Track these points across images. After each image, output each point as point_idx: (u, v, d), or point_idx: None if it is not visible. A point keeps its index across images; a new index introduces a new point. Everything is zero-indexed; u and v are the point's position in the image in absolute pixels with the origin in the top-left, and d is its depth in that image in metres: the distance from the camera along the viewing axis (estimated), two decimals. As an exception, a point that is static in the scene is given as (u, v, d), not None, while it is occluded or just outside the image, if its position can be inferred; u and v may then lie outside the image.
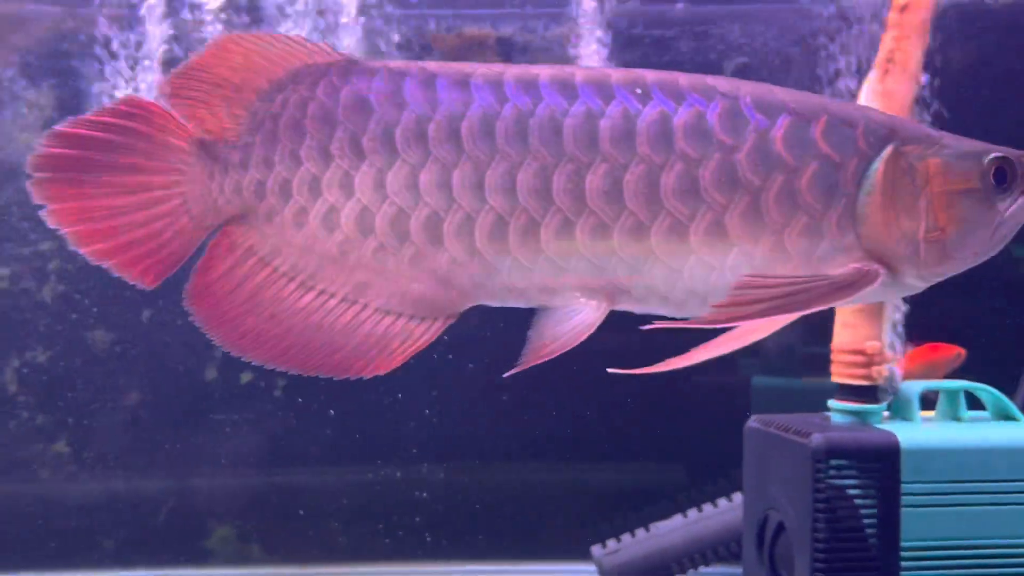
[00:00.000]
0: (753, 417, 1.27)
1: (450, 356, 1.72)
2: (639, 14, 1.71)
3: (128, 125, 0.85)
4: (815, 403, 1.25)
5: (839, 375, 1.21)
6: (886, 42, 1.19)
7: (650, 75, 0.85)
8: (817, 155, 0.82)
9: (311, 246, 0.87)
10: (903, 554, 1.12)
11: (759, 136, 0.82)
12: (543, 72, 0.85)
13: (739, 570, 1.30)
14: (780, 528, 1.19)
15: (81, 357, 1.69)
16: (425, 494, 1.72)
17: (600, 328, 1.71)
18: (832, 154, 0.83)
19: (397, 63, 0.86)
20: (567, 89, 0.84)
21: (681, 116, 0.82)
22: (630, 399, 1.73)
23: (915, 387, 1.22)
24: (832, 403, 1.22)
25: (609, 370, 0.93)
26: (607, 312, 0.86)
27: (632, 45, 1.72)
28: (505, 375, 0.87)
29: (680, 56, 1.72)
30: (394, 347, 0.88)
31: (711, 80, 0.85)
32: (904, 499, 1.12)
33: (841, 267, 0.82)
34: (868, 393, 1.20)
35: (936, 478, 1.13)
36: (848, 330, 1.21)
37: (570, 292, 0.86)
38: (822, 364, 1.25)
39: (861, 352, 1.19)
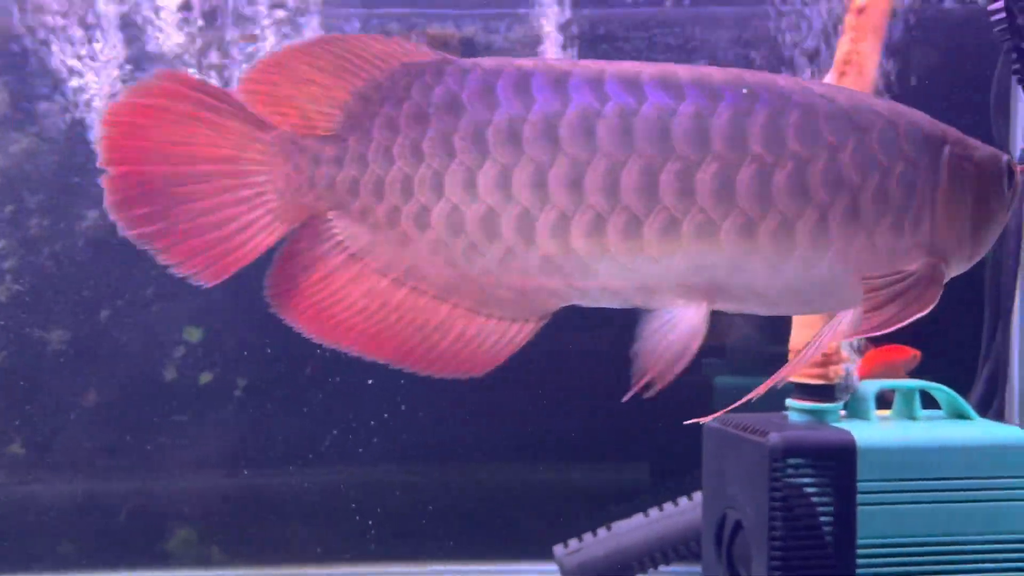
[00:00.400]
0: (712, 416, 1.28)
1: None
2: (601, 17, 1.72)
3: (200, 115, 0.84)
4: (778, 403, 1.26)
5: (796, 374, 1.22)
6: (843, 44, 1.20)
7: (749, 75, 0.86)
8: (902, 156, 0.85)
9: (404, 245, 0.86)
10: (859, 552, 1.13)
11: (858, 137, 0.85)
12: (646, 70, 0.85)
13: (699, 568, 1.31)
14: (738, 526, 1.19)
15: (37, 357, 1.67)
16: (388, 495, 1.72)
17: (566, 328, 1.72)
18: (911, 155, 0.86)
19: (490, 61, 0.85)
20: (672, 88, 0.84)
21: (791, 117, 0.84)
22: (594, 400, 1.73)
23: (871, 386, 1.23)
24: (789, 402, 1.23)
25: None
26: (708, 314, 0.87)
27: (594, 47, 1.72)
28: (624, 398, 0.89)
29: (640, 58, 1.73)
30: (487, 347, 0.88)
31: (805, 82, 0.88)
32: (860, 497, 1.13)
33: (915, 262, 0.86)
34: (825, 392, 1.21)
35: (891, 476, 1.15)
36: (805, 330, 1.22)
37: (669, 292, 0.86)
38: (783, 364, 1.26)
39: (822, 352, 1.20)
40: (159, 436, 1.69)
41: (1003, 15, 0.98)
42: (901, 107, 0.89)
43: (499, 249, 0.84)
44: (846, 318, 0.88)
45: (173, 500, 1.69)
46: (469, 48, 1.71)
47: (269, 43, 1.65)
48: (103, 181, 0.84)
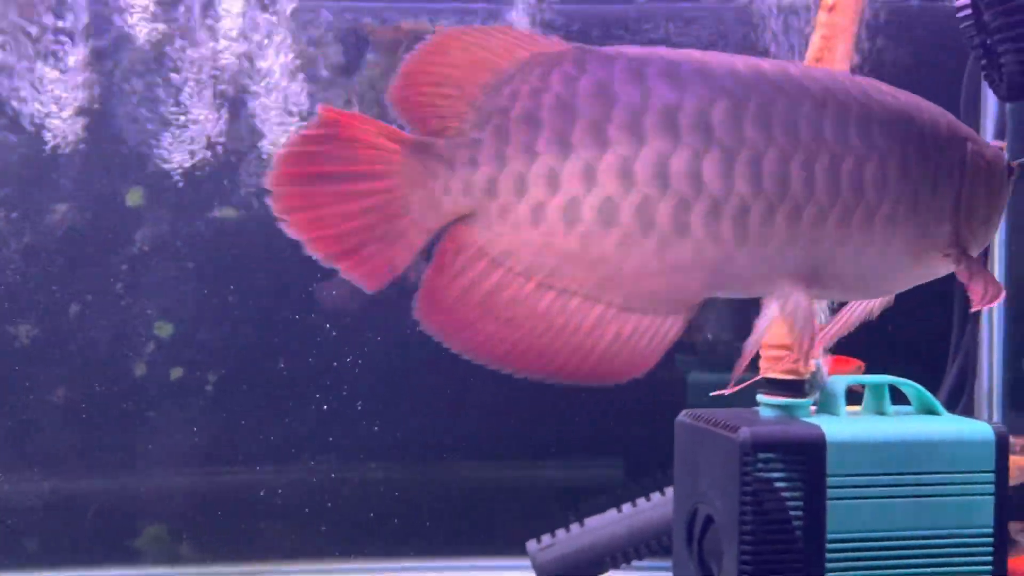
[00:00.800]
0: (684, 412, 1.28)
1: (385, 354, 1.71)
2: (577, 12, 1.72)
3: (331, 134, 0.83)
4: (750, 398, 1.26)
5: (767, 370, 1.22)
6: (814, 42, 1.21)
7: (821, 72, 0.91)
8: (946, 153, 0.92)
9: (549, 242, 0.83)
10: (828, 546, 1.14)
11: (918, 135, 0.91)
12: (767, 64, 0.87)
13: (669, 563, 1.31)
14: (709, 521, 1.20)
15: (5, 353, 1.65)
16: (360, 492, 1.71)
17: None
18: (950, 152, 0.92)
19: (634, 49, 0.84)
20: (793, 83, 0.86)
21: (876, 114, 0.88)
22: (568, 397, 1.73)
23: (841, 382, 1.24)
24: (760, 397, 1.23)
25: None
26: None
27: (569, 41, 1.72)
28: (723, 392, 0.91)
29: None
30: (642, 346, 0.86)
31: (860, 79, 0.93)
32: (829, 491, 1.14)
33: (945, 250, 0.93)
34: (795, 387, 1.21)
35: (861, 471, 1.15)
36: (776, 325, 1.22)
37: (782, 280, 0.88)
38: (757, 360, 1.26)
39: (788, 347, 1.20)
40: (129, 432, 1.67)
41: (969, 11, 0.99)
42: (932, 105, 0.94)
43: (654, 240, 0.83)
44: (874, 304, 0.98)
45: (143, 497, 1.68)
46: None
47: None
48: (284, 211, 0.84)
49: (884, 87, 0.91)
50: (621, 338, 0.85)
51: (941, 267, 0.95)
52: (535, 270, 0.84)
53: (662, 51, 0.85)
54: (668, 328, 0.86)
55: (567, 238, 0.83)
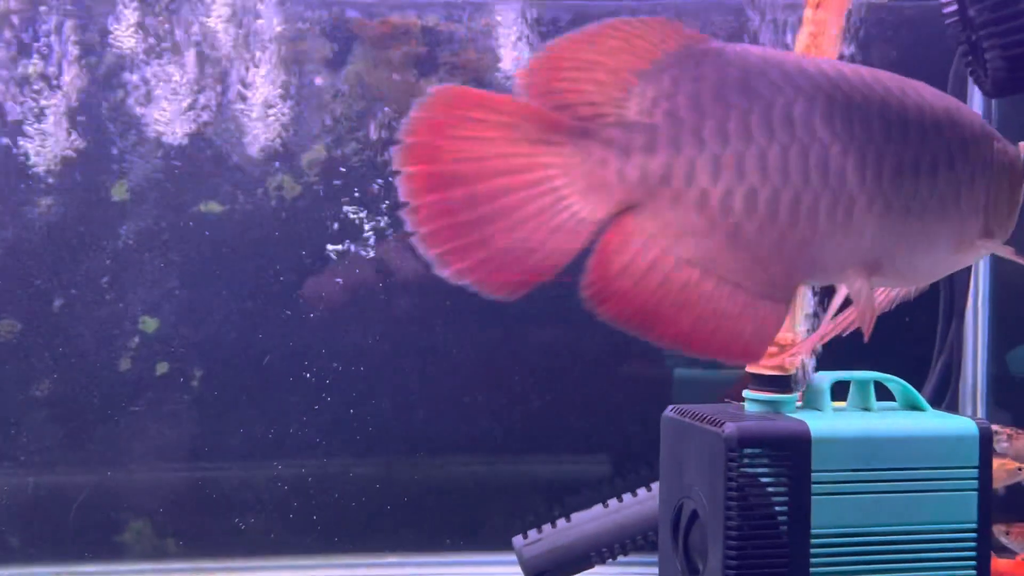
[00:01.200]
0: (670, 407, 1.28)
1: (372, 350, 1.70)
2: (564, 7, 1.72)
3: (468, 117, 0.80)
4: (735, 394, 1.26)
5: (753, 365, 1.23)
6: (801, 39, 1.21)
7: (885, 75, 0.95)
8: (980, 150, 0.98)
9: (710, 231, 0.86)
10: (813, 541, 1.14)
11: (960, 134, 0.97)
12: (843, 66, 0.93)
13: (655, 559, 1.32)
14: (694, 516, 1.20)
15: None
16: (347, 488, 1.71)
17: (527, 323, 1.71)
18: (983, 148, 0.98)
19: (756, 48, 0.89)
20: (873, 82, 0.92)
21: (928, 115, 0.94)
22: (556, 392, 1.73)
23: (827, 377, 1.24)
24: (746, 393, 1.24)
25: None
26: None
27: (555, 34, 1.72)
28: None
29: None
30: (768, 331, 0.90)
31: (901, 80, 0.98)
32: (814, 487, 1.14)
33: (980, 237, 1.00)
34: (781, 383, 1.21)
35: (846, 466, 1.16)
36: (762, 321, 1.22)
37: (853, 269, 0.93)
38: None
39: (774, 343, 1.21)
40: (114, 427, 1.66)
41: (955, 8, 0.99)
42: (964, 105, 1.00)
43: (778, 230, 0.87)
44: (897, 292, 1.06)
45: (127, 492, 1.67)
46: (431, 37, 1.70)
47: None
48: (411, 219, 0.80)
49: (927, 88, 0.97)
50: (756, 323, 0.89)
51: (971, 256, 1.02)
52: (698, 258, 0.86)
53: (771, 50, 0.91)
54: (780, 315, 0.91)
55: (723, 226, 0.86)
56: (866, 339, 0.97)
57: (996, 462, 1.46)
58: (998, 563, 1.37)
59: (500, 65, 1.71)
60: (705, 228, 0.86)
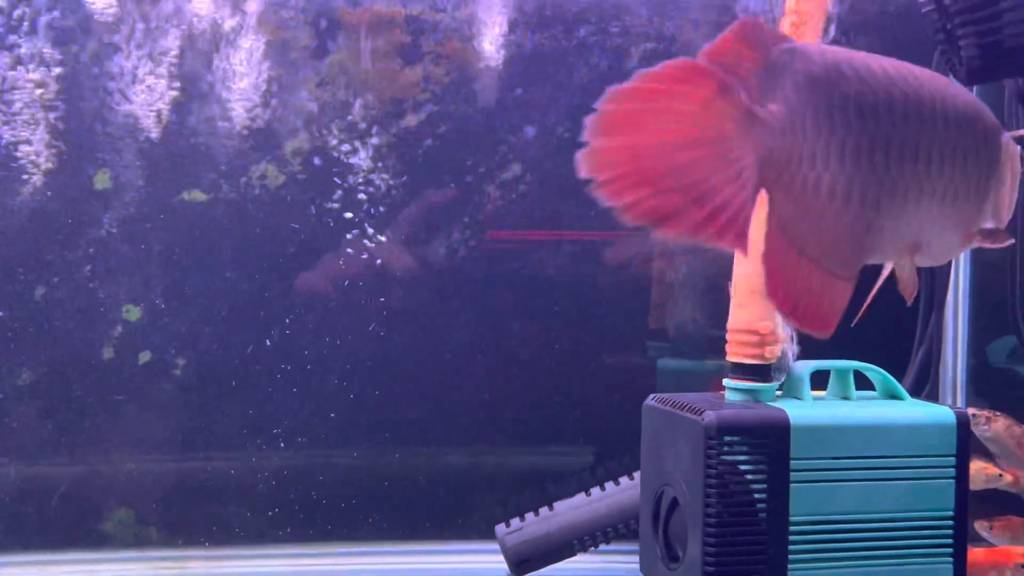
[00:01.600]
0: (651, 396, 1.29)
1: (358, 340, 1.70)
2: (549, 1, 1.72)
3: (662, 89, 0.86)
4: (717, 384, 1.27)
5: (733, 354, 1.23)
6: (783, 26, 1.21)
7: (917, 70, 1.01)
8: (992, 138, 1.05)
9: (802, 213, 0.92)
10: (792, 528, 1.15)
11: (982, 123, 1.05)
12: (896, 62, 1.00)
13: (637, 547, 1.32)
14: (674, 504, 1.21)
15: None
16: (331, 478, 1.71)
17: (510, 314, 1.72)
18: (994, 140, 1.06)
19: (831, 48, 0.96)
20: (920, 81, 0.99)
21: (958, 107, 1.01)
22: (541, 382, 1.74)
23: (806, 366, 1.25)
24: (726, 382, 1.24)
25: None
26: None
27: (542, 28, 1.72)
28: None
29: (588, 40, 1.73)
30: (840, 306, 0.96)
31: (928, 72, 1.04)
32: (793, 475, 1.15)
33: (988, 223, 1.08)
34: (761, 372, 1.22)
35: (824, 454, 1.17)
36: (742, 310, 1.23)
37: (901, 251, 1.01)
38: (723, 345, 1.27)
39: (754, 332, 1.21)
40: (96, 416, 1.66)
41: (932, -6, 1.00)
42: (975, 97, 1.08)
43: (852, 213, 0.93)
44: None
45: (110, 481, 1.66)
46: (416, 26, 1.70)
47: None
48: (601, 186, 0.85)
49: (952, 82, 1.04)
50: (831, 298, 0.96)
51: (975, 243, 1.09)
52: (793, 236, 0.93)
53: (841, 49, 0.96)
54: (850, 291, 0.97)
55: (812, 209, 0.92)
56: (908, 303, 1.07)
57: (977, 464, 1.47)
58: (974, 552, 1.38)
59: (484, 55, 1.70)
60: (799, 210, 0.92)
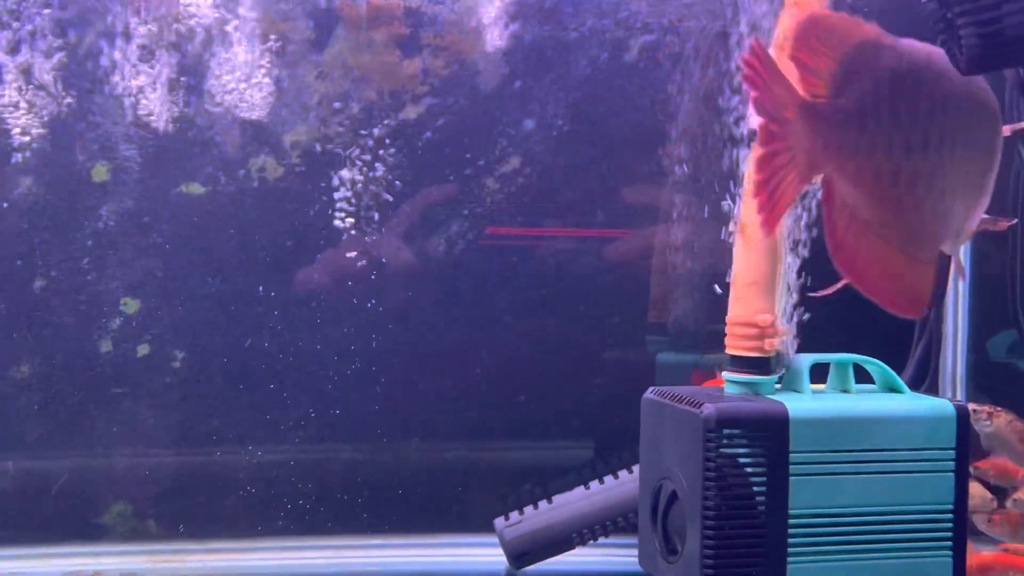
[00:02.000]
0: (650, 389, 1.29)
1: (357, 335, 1.70)
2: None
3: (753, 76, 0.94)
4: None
5: (732, 347, 1.23)
6: (783, 20, 1.21)
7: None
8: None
9: (882, 200, 0.98)
10: (791, 521, 1.15)
11: (994, 111, 1.09)
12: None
13: (636, 540, 1.32)
14: (673, 497, 1.20)
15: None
16: (330, 471, 1.71)
17: (510, 309, 1.72)
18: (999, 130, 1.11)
19: (908, 41, 1.01)
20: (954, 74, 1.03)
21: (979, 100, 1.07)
22: (541, 377, 1.74)
23: (806, 359, 1.25)
24: (725, 375, 1.24)
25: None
26: None
27: (541, 20, 1.72)
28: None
29: (587, 32, 1.72)
30: (925, 287, 1.04)
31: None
32: (792, 467, 1.15)
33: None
34: (760, 364, 1.22)
35: (823, 447, 1.16)
36: (741, 303, 1.23)
37: (955, 237, 1.08)
38: (723, 340, 1.27)
39: (753, 325, 1.21)
40: (94, 409, 1.66)
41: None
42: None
43: (934, 202, 1.01)
44: None
45: (108, 474, 1.66)
46: (414, 19, 1.69)
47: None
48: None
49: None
50: (916, 280, 1.03)
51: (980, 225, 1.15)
52: (876, 222, 0.99)
53: (917, 43, 1.02)
54: (932, 273, 1.05)
55: (891, 197, 0.99)
56: (965, 280, 1.18)
57: (976, 488, 1.46)
58: (983, 556, 1.38)
59: (483, 47, 1.70)
60: (879, 198, 0.98)
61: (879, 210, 0.98)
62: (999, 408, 1.49)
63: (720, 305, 1.28)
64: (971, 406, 1.43)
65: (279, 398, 1.69)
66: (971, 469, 1.44)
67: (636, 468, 1.45)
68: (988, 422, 1.46)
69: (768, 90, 0.94)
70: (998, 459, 1.47)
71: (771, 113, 0.94)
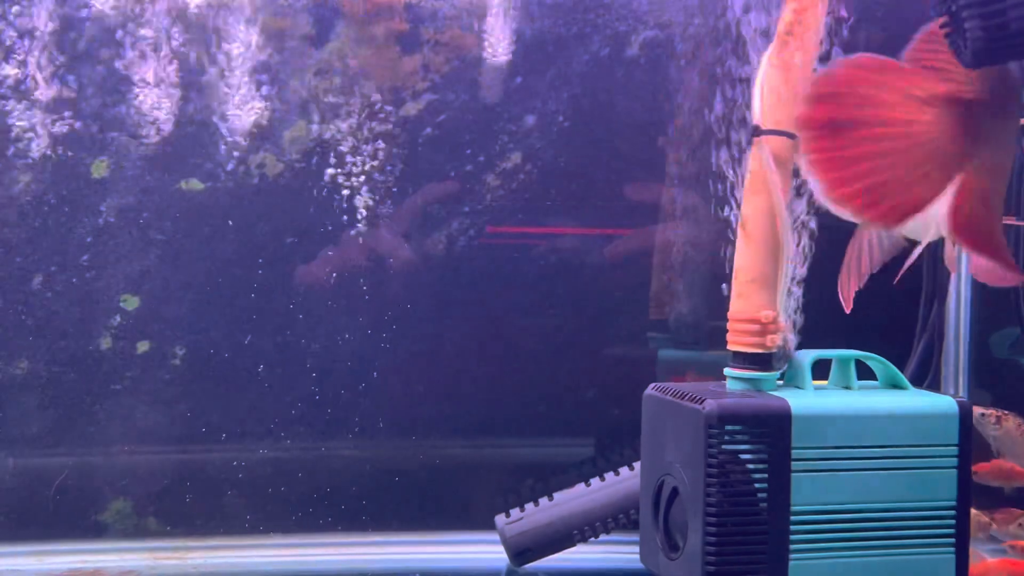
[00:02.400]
0: (652, 385, 1.28)
1: (357, 331, 1.70)
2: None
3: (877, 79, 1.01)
4: (719, 374, 1.26)
5: (734, 343, 1.23)
6: (785, 13, 1.20)
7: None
8: None
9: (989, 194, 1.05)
10: (793, 518, 1.14)
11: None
12: None
13: (637, 537, 1.32)
14: (674, 493, 1.20)
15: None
16: (331, 468, 1.70)
17: (511, 306, 1.71)
18: None
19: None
20: None
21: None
22: (542, 373, 1.73)
23: (808, 355, 1.24)
24: (727, 371, 1.23)
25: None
26: None
27: (542, 15, 1.71)
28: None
29: (589, 27, 1.72)
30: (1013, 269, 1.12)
31: None
32: (794, 464, 1.14)
33: None
34: (762, 361, 1.21)
35: (825, 443, 1.16)
36: (742, 299, 1.22)
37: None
38: (724, 336, 1.27)
39: (755, 321, 1.20)
40: (94, 405, 1.65)
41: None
42: None
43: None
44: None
45: (108, 471, 1.66)
46: (414, 15, 1.69)
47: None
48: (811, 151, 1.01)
49: None
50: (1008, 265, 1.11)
51: None
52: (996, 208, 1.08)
53: None
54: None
55: (994, 190, 1.06)
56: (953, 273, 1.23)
57: (974, 515, 1.46)
58: (988, 563, 1.37)
59: (484, 43, 1.70)
60: (989, 190, 1.04)
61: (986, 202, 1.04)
62: (1007, 412, 1.48)
63: (722, 301, 1.27)
64: (979, 410, 1.42)
65: (279, 394, 1.69)
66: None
67: (637, 465, 1.45)
68: (997, 426, 1.46)
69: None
70: (997, 461, 1.47)
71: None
